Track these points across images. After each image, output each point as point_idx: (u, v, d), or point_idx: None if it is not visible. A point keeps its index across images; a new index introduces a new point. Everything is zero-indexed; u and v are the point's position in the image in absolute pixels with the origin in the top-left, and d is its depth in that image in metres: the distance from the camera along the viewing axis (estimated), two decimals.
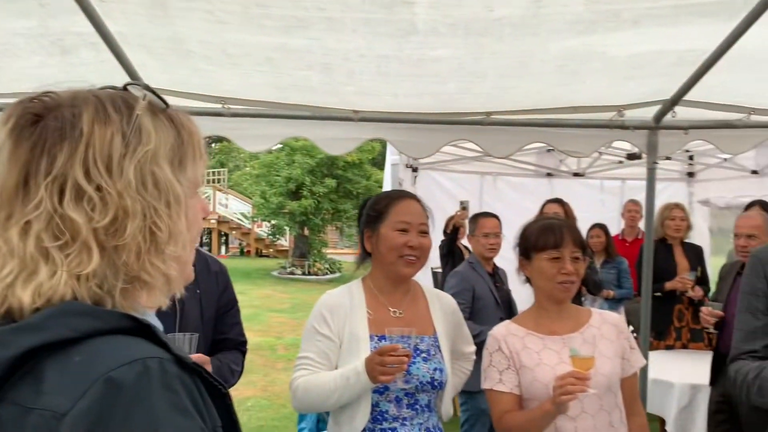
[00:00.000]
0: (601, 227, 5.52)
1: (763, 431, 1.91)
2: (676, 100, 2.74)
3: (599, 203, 6.48)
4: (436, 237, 5.25)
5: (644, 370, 3.30)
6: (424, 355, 2.00)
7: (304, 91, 2.89)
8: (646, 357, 3.37)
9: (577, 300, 5.23)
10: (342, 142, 3.12)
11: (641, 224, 5.77)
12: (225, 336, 2.14)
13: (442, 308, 2.14)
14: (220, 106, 3.00)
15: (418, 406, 1.99)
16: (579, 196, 6.55)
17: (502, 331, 2.06)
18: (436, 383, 1.99)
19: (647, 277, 3.23)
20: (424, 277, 5.93)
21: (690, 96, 2.77)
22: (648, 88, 2.77)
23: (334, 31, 2.28)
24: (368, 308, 2.04)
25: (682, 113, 2.89)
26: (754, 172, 5.66)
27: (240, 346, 2.18)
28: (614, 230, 5.80)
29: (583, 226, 5.62)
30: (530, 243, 2.04)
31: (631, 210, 5.96)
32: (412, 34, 2.29)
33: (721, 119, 2.96)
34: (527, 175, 6.58)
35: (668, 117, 2.88)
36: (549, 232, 2.00)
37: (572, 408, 1.88)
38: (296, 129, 3.11)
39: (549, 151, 6.31)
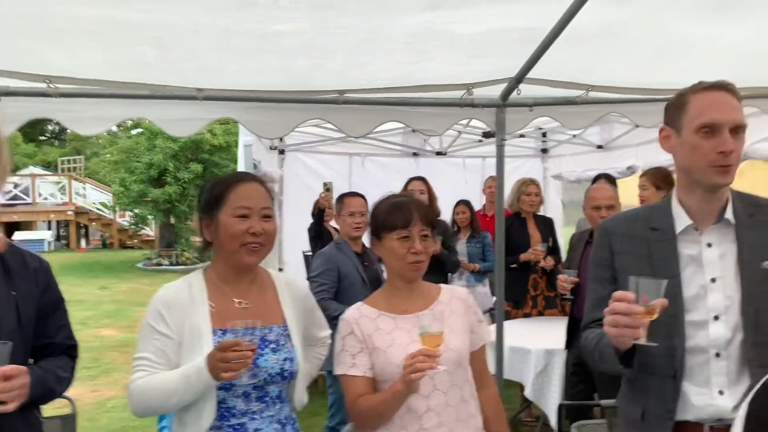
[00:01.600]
0: (466, 203, 5.70)
1: (613, 389, 2.00)
2: (521, 77, 2.82)
3: (462, 181, 6.70)
4: (305, 220, 5.20)
5: (501, 340, 3.41)
6: (272, 345, 1.91)
7: (141, 68, 2.67)
8: (501, 326, 3.51)
9: (444, 279, 5.39)
10: (187, 123, 2.93)
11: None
12: (50, 340, 1.91)
13: (292, 295, 2.06)
14: (44, 85, 2.70)
15: (268, 399, 1.90)
16: (444, 174, 6.74)
17: (354, 314, 2.01)
18: (286, 374, 1.91)
19: (500, 250, 3.34)
20: (295, 261, 5.83)
21: (533, 74, 2.86)
22: (494, 66, 2.82)
23: (163, 2, 2.09)
24: (210, 301, 1.91)
25: (526, 90, 2.98)
26: (600, 147, 6.06)
27: (69, 350, 1.96)
28: (477, 206, 6.01)
29: (449, 203, 5.81)
30: (379, 223, 2.01)
31: (491, 186, 6.19)
32: (252, 7, 2.16)
33: (562, 96, 3.09)
34: (394, 155, 6.66)
35: (514, 95, 2.97)
36: (397, 212, 1.97)
37: (424, 386, 1.88)
38: (135, 110, 2.87)
39: (414, 131, 6.43)
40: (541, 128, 6.45)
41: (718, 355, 1.66)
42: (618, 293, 1.53)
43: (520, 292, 4.79)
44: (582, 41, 2.63)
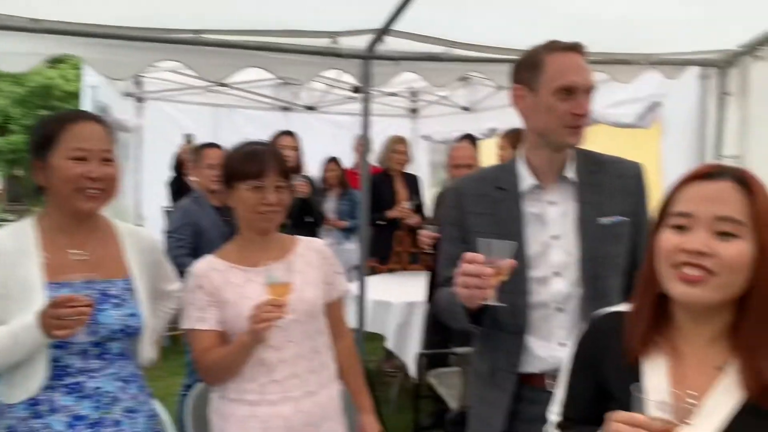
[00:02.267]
0: (336, 160, 5.66)
1: (466, 339, 2.06)
2: (386, 29, 2.79)
3: (334, 138, 6.65)
4: (165, 174, 4.93)
5: (363, 294, 3.44)
6: (115, 301, 1.77)
7: None
8: (364, 281, 3.55)
9: (313, 232, 5.34)
10: (19, 58, 2.61)
11: (371, 157, 6.06)
12: None
13: (139, 246, 1.91)
14: None
15: (109, 356, 1.77)
16: (315, 130, 6.65)
17: (202, 266, 1.92)
18: (130, 330, 1.78)
19: (365, 206, 3.34)
20: (154, 217, 5.54)
21: (399, 26, 2.83)
22: (360, 15, 2.76)
23: None
24: (44, 251, 1.73)
25: (393, 44, 2.95)
26: (466, 108, 6.22)
27: None
28: (349, 164, 6.00)
29: (320, 160, 5.75)
30: (232, 171, 1.91)
31: (360, 144, 6.20)
32: None
33: (426, 51, 3.10)
34: (263, 108, 6.45)
35: (380, 47, 2.93)
36: (251, 161, 1.88)
37: (275, 338, 1.84)
38: None
39: (285, 84, 6.24)
40: (411, 87, 6.53)
41: (558, 309, 1.73)
42: (468, 255, 1.54)
43: (386, 248, 4.87)
44: None
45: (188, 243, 3.36)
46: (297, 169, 4.73)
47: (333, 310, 2.06)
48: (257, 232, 1.93)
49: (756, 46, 3.40)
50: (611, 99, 4.27)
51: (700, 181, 1.16)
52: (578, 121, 1.68)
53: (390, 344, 3.94)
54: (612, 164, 1.81)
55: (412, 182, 5.15)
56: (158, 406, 2.08)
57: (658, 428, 1.02)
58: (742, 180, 1.14)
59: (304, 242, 2.05)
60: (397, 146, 5.05)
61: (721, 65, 3.62)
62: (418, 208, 4.92)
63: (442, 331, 3.93)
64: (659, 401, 1.05)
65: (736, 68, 3.58)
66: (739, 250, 1.10)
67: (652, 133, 4.17)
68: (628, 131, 4.28)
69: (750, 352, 1.11)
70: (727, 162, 3.65)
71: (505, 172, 1.84)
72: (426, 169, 7.02)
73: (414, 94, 6.83)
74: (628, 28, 3.09)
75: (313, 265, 2.00)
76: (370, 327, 4.06)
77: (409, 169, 5.32)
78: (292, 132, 4.77)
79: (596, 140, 4.91)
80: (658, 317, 1.21)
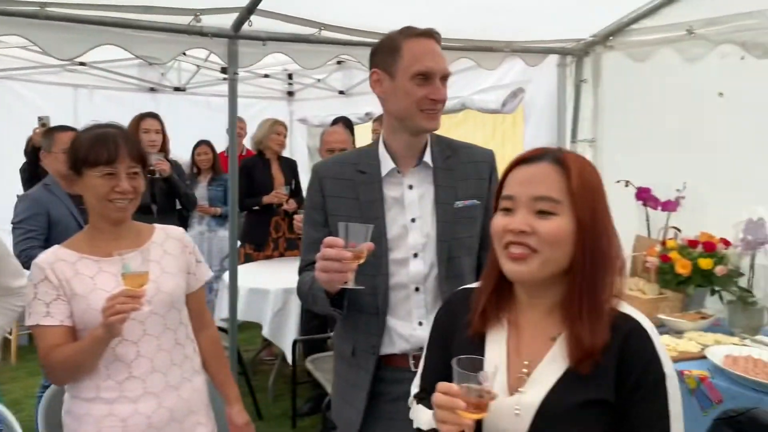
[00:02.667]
0: (207, 144, 5.45)
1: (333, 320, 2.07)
2: (252, 8, 2.70)
3: (206, 120, 6.41)
4: (19, 159, 4.52)
5: (234, 282, 3.35)
6: None
7: None
8: (235, 269, 3.45)
9: (184, 221, 5.13)
10: None
11: (246, 141, 5.90)
12: None
13: None
14: None
15: None
16: (186, 112, 6.36)
17: (48, 258, 1.77)
18: None
19: (234, 191, 3.24)
20: (7, 206, 5.09)
21: (266, 6, 2.75)
22: None
23: None
24: None
25: (260, 24, 2.87)
26: (341, 92, 6.20)
27: None
28: (222, 147, 5.80)
29: (191, 143, 5.52)
30: (80, 157, 1.77)
31: (239, 127, 6.03)
32: None
33: (295, 33, 3.05)
34: (128, 89, 6.08)
35: (246, 27, 2.84)
36: (102, 146, 1.76)
37: (132, 331, 1.75)
38: None
39: (152, 63, 5.91)
40: (286, 69, 6.41)
41: (417, 289, 1.78)
42: (328, 239, 1.54)
43: (262, 234, 4.78)
44: None
45: (39, 234, 3.10)
46: (163, 153, 4.52)
47: (195, 300, 1.98)
48: (109, 221, 1.81)
49: (607, 36, 3.63)
50: (478, 86, 4.42)
51: (522, 165, 1.22)
52: (434, 106, 1.73)
53: (266, 332, 3.88)
54: (465, 150, 1.88)
55: (289, 166, 5.07)
56: (3, 410, 1.92)
57: (472, 399, 1.09)
58: (559, 160, 1.20)
59: (161, 230, 1.95)
60: (277, 128, 4.95)
61: (577, 54, 3.84)
62: (296, 193, 4.86)
63: (319, 316, 3.93)
64: (482, 372, 1.11)
65: (589, 57, 3.81)
66: (557, 226, 1.16)
67: (516, 118, 4.37)
68: (494, 116, 4.46)
69: (572, 321, 1.18)
70: (583, 145, 3.90)
71: (366, 155, 1.85)
72: (303, 153, 6.96)
73: (290, 76, 6.72)
74: (490, 16, 3.19)
75: (173, 254, 1.91)
76: (247, 316, 3.97)
77: (286, 153, 5.24)
78: (156, 114, 4.54)
79: (465, 125, 5.11)
80: (501, 294, 1.27)
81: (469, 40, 3.50)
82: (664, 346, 1.23)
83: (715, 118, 3.12)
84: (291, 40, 3.06)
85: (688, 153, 3.26)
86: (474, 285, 1.37)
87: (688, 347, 2.60)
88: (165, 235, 1.94)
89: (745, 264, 2.95)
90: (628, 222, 3.48)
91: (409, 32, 1.73)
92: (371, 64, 1.79)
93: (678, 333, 2.79)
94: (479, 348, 1.25)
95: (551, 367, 1.20)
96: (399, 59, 1.71)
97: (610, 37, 3.63)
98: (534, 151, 1.24)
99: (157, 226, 1.97)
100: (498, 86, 4.27)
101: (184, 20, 2.79)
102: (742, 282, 2.94)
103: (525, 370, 1.21)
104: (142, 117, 4.42)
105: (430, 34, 1.74)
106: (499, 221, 1.22)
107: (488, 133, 4.50)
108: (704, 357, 2.43)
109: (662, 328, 2.86)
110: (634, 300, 3.01)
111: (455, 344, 1.30)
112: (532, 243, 1.17)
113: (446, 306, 1.40)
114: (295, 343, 3.48)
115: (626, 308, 1.24)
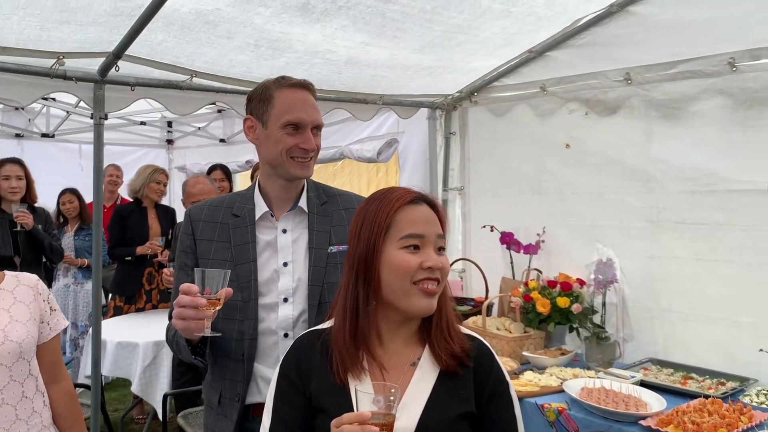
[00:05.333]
0: (73, 192, 5.17)
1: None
2: (119, 53, 2.66)
3: (78, 168, 6.13)
4: None
5: (98, 337, 3.18)
6: None
7: None
8: (99, 323, 3.27)
9: (50, 273, 4.81)
10: None
11: (122, 189, 5.68)
12: None
13: None
14: None
15: None
16: (56, 160, 6.07)
17: None
18: None
19: (97, 241, 3.10)
20: None
21: (134, 51, 2.72)
22: (88, 36, 2.60)
23: None
24: None
25: (128, 68, 2.83)
26: (222, 140, 6.16)
27: None
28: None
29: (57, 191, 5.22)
30: None
31: (111, 174, 5.79)
32: None
33: (167, 79, 3.02)
34: None
35: (113, 71, 2.78)
36: None
37: None
38: None
39: (17, 108, 5.61)
40: (165, 116, 6.30)
41: (286, 335, 1.76)
42: (183, 286, 1.51)
43: (134, 286, 4.57)
44: (185, 25, 2.61)
45: None
46: (27, 200, 4.26)
47: (47, 350, 1.87)
48: None
49: (472, 93, 3.89)
50: (356, 136, 4.57)
51: (411, 206, 1.31)
52: (305, 155, 1.76)
53: (135, 388, 3.68)
54: (341, 197, 1.92)
55: (166, 215, 4.91)
56: None
57: (379, 422, 1.12)
58: (431, 203, 1.35)
59: (12, 277, 1.84)
60: (157, 176, 4.79)
61: (446, 108, 4.08)
62: (171, 244, 4.70)
63: (193, 368, 3.78)
64: (375, 396, 1.15)
65: (457, 111, 4.06)
66: (447, 259, 1.32)
67: (392, 167, 4.53)
68: (371, 165, 4.60)
69: (438, 337, 1.31)
70: (453, 193, 4.10)
71: (241, 199, 1.86)
72: (180, 202, 6.78)
73: (169, 124, 6.61)
74: (364, 70, 3.34)
75: (24, 302, 1.81)
76: (115, 372, 3.76)
77: (164, 202, 5.09)
78: (18, 159, 4.30)
79: (344, 173, 5.21)
80: (361, 331, 1.31)
81: (344, 92, 3.63)
82: (506, 366, 1.36)
83: (564, 168, 3.40)
84: (161, 86, 3.03)
85: (545, 199, 3.52)
86: (323, 326, 1.39)
87: (549, 382, 2.76)
88: (16, 281, 1.83)
89: (598, 302, 3.20)
90: (494, 264, 3.68)
91: (282, 82, 1.77)
92: (247, 111, 1.82)
93: (540, 369, 2.95)
94: (343, 390, 1.26)
95: (418, 390, 1.27)
96: (271, 108, 1.74)
97: (475, 93, 3.89)
98: (413, 194, 1.34)
99: (8, 273, 1.85)
100: (374, 137, 4.43)
101: (47, 63, 2.69)
102: (597, 318, 3.18)
103: (395, 394, 1.25)
104: (2, 163, 4.17)
105: (304, 85, 1.78)
106: (410, 259, 1.27)
107: (366, 181, 4.64)
108: (563, 390, 2.58)
109: (526, 364, 3.02)
110: (501, 339, 3.16)
111: (315, 389, 1.30)
112: (440, 276, 1.29)
113: (295, 351, 1.38)
114: (165, 397, 3.32)
115: (464, 329, 1.36)
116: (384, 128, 4.39)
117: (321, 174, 4.83)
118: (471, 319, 3.42)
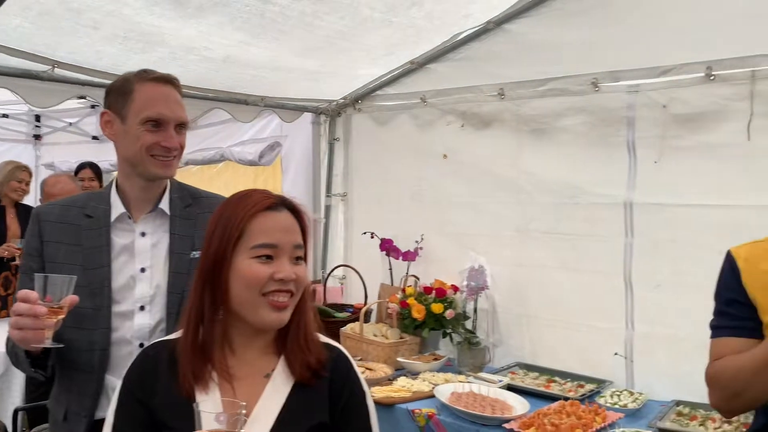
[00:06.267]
0: None
1: None
2: None
3: None
4: None
5: None
6: None
7: None
8: None
9: None
10: None
11: None
12: None
13: None
14: None
15: None
16: None
17: None
18: None
19: None
20: None
21: None
22: None
23: None
24: None
25: None
26: (95, 137, 5.81)
27: None
28: None
29: None
30: None
31: None
32: None
33: (24, 68, 2.80)
34: None
35: None
36: None
37: None
38: None
39: None
40: (32, 110, 5.85)
41: (141, 345, 1.66)
42: (21, 293, 1.39)
43: None
44: (45, 11, 2.43)
45: None
46: None
47: None
48: None
49: (356, 100, 3.91)
50: (238, 138, 4.46)
51: (268, 213, 1.24)
52: (167, 153, 1.67)
53: None
54: (207, 199, 1.84)
55: (27, 216, 4.52)
56: None
57: None
58: (293, 208, 1.29)
59: None
60: (18, 174, 4.43)
61: (330, 114, 4.07)
62: None
63: (48, 381, 3.51)
64: (218, 413, 1.10)
65: (341, 117, 4.06)
66: (305, 269, 1.26)
67: (275, 171, 4.46)
68: (254, 168, 4.50)
69: (296, 343, 1.27)
70: (336, 199, 4.10)
71: (96, 199, 1.74)
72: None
73: (37, 118, 6.15)
74: (246, 70, 3.26)
75: None
76: None
77: (29, 201, 4.71)
78: None
79: (225, 175, 5.06)
80: (208, 342, 1.25)
81: (223, 92, 3.52)
82: (362, 371, 1.36)
83: (442, 177, 3.49)
84: (19, 76, 2.80)
85: (424, 207, 3.59)
86: (172, 336, 1.32)
87: (422, 387, 2.80)
88: None
89: (470, 308, 3.30)
90: (374, 271, 3.71)
91: (144, 75, 1.68)
92: (105, 105, 1.71)
93: (414, 374, 2.99)
94: (189, 404, 1.18)
95: (270, 403, 1.22)
96: (131, 102, 1.64)
97: (359, 101, 3.90)
98: (270, 199, 1.27)
99: None
100: (256, 139, 4.34)
101: None
102: (469, 324, 3.27)
103: (243, 412, 1.20)
104: None
105: (167, 80, 1.70)
106: (260, 270, 1.21)
107: (248, 185, 4.53)
108: (435, 395, 2.63)
109: (401, 370, 3.05)
110: (378, 345, 3.18)
111: (159, 404, 1.23)
112: (293, 288, 1.23)
113: (140, 363, 1.30)
114: (16, 412, 3.05)
115: (323, 338, 1.33)
116: (267, 131, 4.31)
117: (200, 176, 4.67)
118: (349, 326, 3.41)
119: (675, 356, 2.69)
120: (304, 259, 1.28)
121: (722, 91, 2.60)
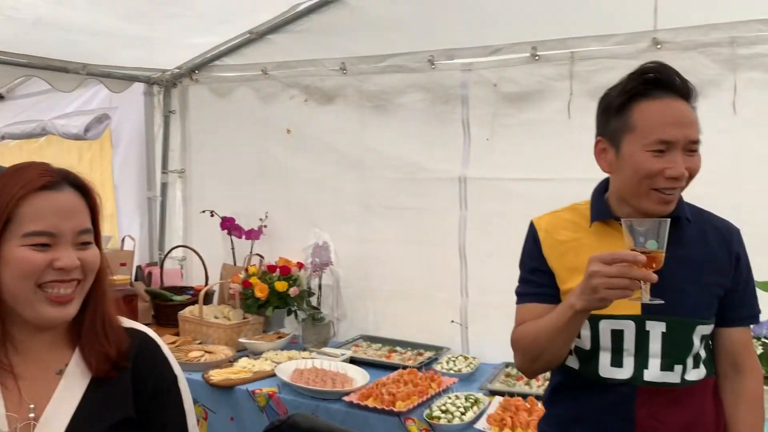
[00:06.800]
0: None
1: None
2: None
3: None
4: None
5: None
6: None
7: None
8: None
9: None
10: None
11: None
12: None
13: None
14: None
15: None
16: None
17: None
18: None
19: None
20: None
21: None
22: None
23: None
24: None
25: None
26: None
27: None
28: None
29: None
30: None
31: None
32: None
33: None
34: None
35: None
36: None
37: None
38: None
39: None
40: None
41: None
42: None
43: None
44: None
45: None
46: None
47: None
48: None
49: (193, 70, 3.69)
50: (61, 110, 4.07)
51: (44, 193, 1.07)
52: None
53: None
54: None
55: None
56: None
57: None
58: (81, 186, 1.13)
59: None
60: None
61: (164, 84, 3.82)
62: None
63: None
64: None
65: (177, 89, 3.82)
66: (95, 254, 1.12)
67: (104, 145, 4.13)
68: (81, 142, 4.14)
69: (92, 334, 1.13)
70: (173, 175, 3.87)
71: None
72: None
73: None
74: (62, 34, 2.95)
75: None
76: None
77: None
78: None
79: (49, 150, 4.62)
80: None
81: (37, 57, 3.17)
82: (171, 351, 1.26)
83: (286, 153, 3.41)
84: None
85: (267, 184, 3.50)
86: None
87: (264, 366, 2.74)
88: None
89: (315, 284, 3.28)
90: (215, 251, 3.57)
91: None
92: None
93: (257, 354, 2.92)
94: None
95: (63, 403, 1.10)
96: None
97: (195, 71, 3.70)
98: (47, 174, 1.09)
99: None
100: (82, 111, 3.98)
101: None
102: (314, 301, 3.25)
103: (32, 415, 1.08)
104: None
105: None
106: (35, 258, 1.05)
107: (74, 160, 4.15)
108: (276, 374, 2.58)
109: (243, 351, 2.97)
110: (219, 327, 3.06)
111: None
112: (80, 276, 1.10)
113: None
114: None
115: (128, 323, 1.22)
116: (94, 102, 3.97)
117: (18, 152, 4.19)
118: (188, 309, 3.26)
119: (505, 322, 2.83)
120: (97, 243, 1.14)
121: (546, 71, 2.76)
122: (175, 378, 1.21)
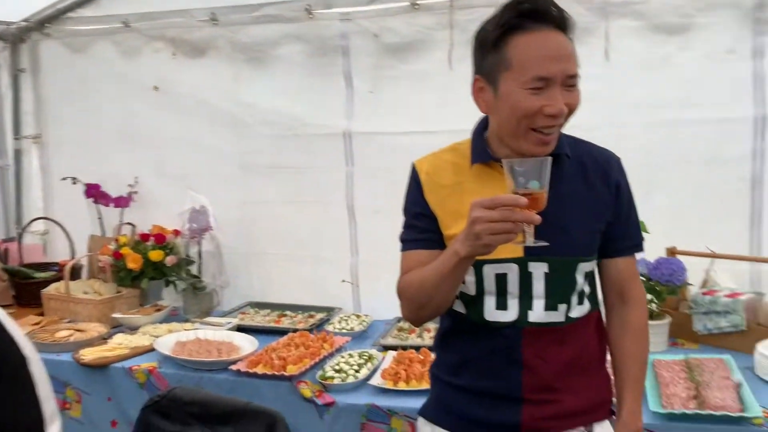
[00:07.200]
0: None
1: None
2: None
3: None
4: None
5: None
6: None
7: None
8: None
9: None
10: None
11: None
12: None
13: None
14: None
15: None
16: None
17: None
18: None
19: None
20: None
21: None
22: None
23: None
24: None
25: None
26: None
27: None
28: None
29: None
30: None
31: None
32: None
33: None
34: None
35: None
36: None
37: None
38: None
39: None
40: None
41: None
42: None
43: None
44: None
45: None
46: None
47: None
48: None
49: (43, 23, 3.31)
50: None
51: None
52: None
53: None
54: None
55: None
56: None
57: None
58: None
59: None
60: None
61: (11, 39, 3.40)
62: None
63: None
64: None
65: (26, 44, 3.42)
66: None
67: None
68: None
69: None
70: (27, 141, 3.50)
71: None
72: None
73: None
74: None
75: None
76: None
77: None
78: None
79: None
80: None
81: None
82: (18, 330, 1.08)
83: (154, 112, 3.15)
84: None
85: (135, 147, 3.22)
86: None
87: (141, 341, 2.55)
88: None
89: (194, 252, 3.08)
90: (80, 222, 3.28)
91: None
92: None
93: (133, 329, 2.71)
94: None
95: None
96: None
97: (47, 25, 3.31)
98: None
99: None
100: None
101: None
102: (194, 269, 3.06)
103: None
104: None
105: None
106: None
107: None
108: (155, 349, 2.41)
109: (118, 327, 2.75)
110: (88, 303, 2.82)
111: None
112: None
113: None
114: None
115: None
116: None
117: None
118: (53, 286, 2.97)
119: (395, 277, 2.82)
120: None
121: (426, 21, 2.70)
122: (23, 360, 1.03)
